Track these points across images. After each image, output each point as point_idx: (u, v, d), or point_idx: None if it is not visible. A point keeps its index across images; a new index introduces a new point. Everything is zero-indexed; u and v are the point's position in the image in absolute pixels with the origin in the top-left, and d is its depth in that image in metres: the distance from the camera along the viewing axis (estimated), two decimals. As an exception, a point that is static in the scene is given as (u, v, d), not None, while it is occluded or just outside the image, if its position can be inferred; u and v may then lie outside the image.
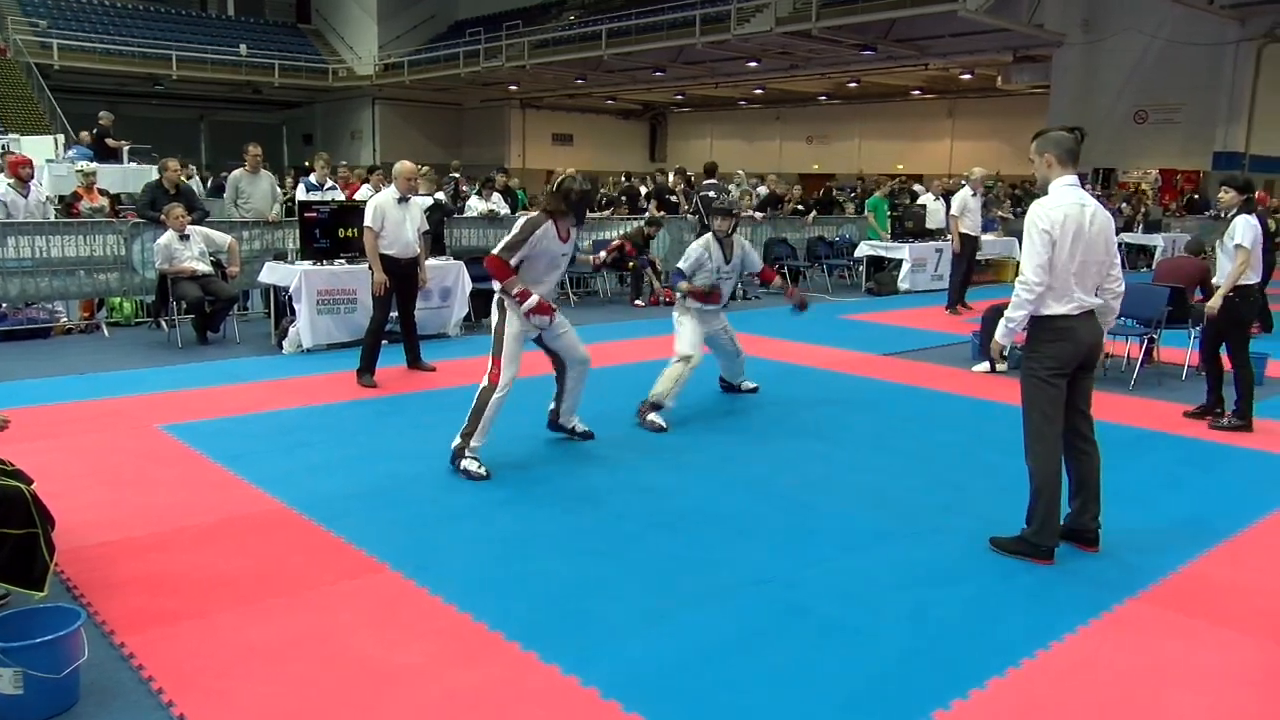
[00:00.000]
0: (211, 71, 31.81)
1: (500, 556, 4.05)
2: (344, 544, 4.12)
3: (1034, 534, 4.10)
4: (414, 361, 7.71)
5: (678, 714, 2.89)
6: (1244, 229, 6.24)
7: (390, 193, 7.21)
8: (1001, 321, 4.09)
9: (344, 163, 14.33)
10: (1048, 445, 4.08)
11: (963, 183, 11.90)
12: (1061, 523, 4.17)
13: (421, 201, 8.05)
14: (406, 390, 7.06)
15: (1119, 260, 4.21)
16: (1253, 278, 6.33)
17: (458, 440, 5.16)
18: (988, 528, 4.35)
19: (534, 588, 3.75)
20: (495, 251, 5.21)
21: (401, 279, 7.26)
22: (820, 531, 4.40)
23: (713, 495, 4.89)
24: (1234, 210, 6.39)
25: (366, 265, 7.38)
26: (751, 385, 7.20)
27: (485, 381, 5.20)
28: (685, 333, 6.48)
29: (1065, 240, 3.95)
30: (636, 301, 12.17)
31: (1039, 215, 3.99)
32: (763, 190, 16.37)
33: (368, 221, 7.06)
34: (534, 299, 5.20)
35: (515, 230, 5.23)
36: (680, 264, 6.57)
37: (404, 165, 7.36)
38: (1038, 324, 4.05)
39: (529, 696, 2.97)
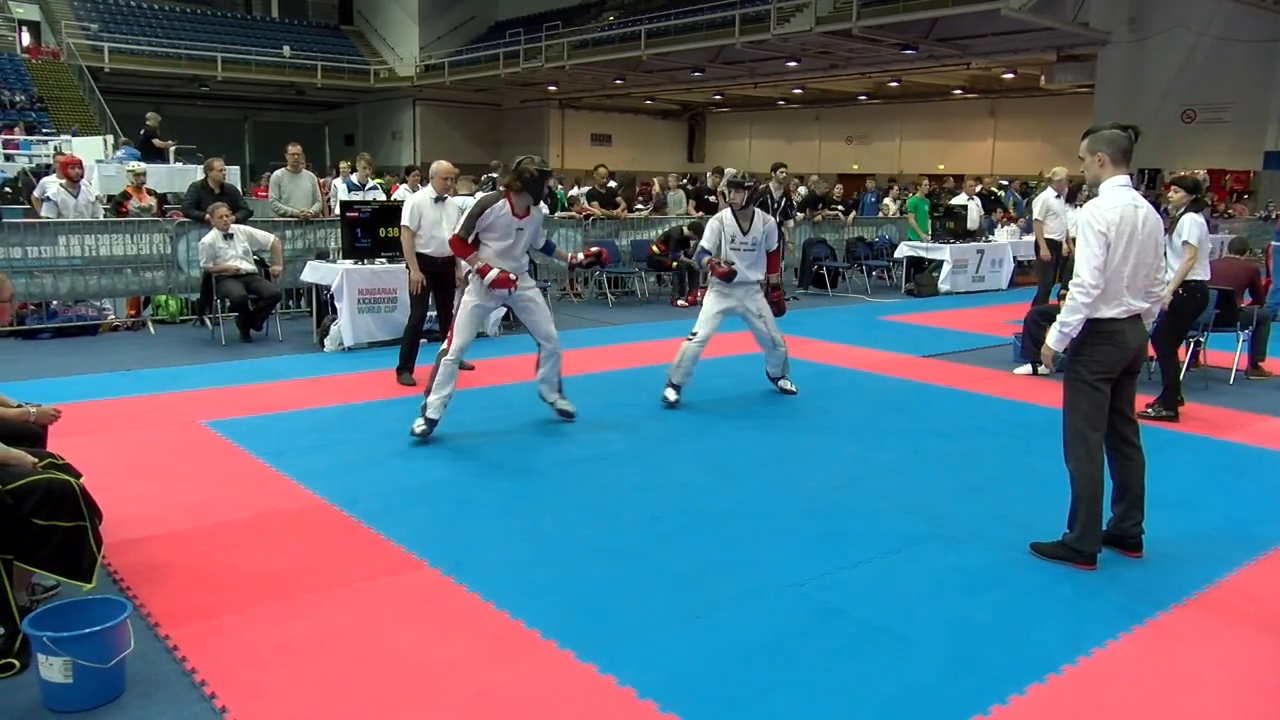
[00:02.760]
0: (255, 72, 32.27)
1: (537, 555, 4.07)
2: (383, 540, 4.16)
3: (1076, 539, 4.05)
4: None
5: (714, 716, 2.89)
6: (1191, 227, 6.53)
7: (427, 192, 7.28)
8: (1055, 326, 3.98)
9: (346, 162, 14.38)
10: (1090, 449, 4.02)
11: (1019, 184, 11.54)
12: (1104, 528, 4.11)
13: (460, 202, 8.13)
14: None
15: (1164, 263, 4.14)
16: (1201, 274, 6.63)
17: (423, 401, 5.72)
18: (1027, 534, 4.30)
19: (570, 586, 3.76)
20: (455, 231, 5.85)
21: (437, 278, 7.32)
22: (856, 534, 4.37)
23: (747, 496, 4.88)
24: (1182, 209, 6.63)
25: (405, 264, 7.44)
26: (790, 387, 7.14)
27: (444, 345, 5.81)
28: (702, 310, 6.81)
29: (1120, 242, 3.87)
30: (679, 301, 12.16)
31: (1094, 216, 3.90)
32: (803, 190, 16.28)
33: (404, 221, 7.14)
34: (494, 272, 5.67)
35: (469, 209, 5.83)
36: (703, 242, 6.80)
37: (441, 165, 7.39)
38: (1086, 327, 3.95)
39: (566, 695, 2.98)
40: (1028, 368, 8.00)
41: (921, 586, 3.83)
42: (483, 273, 5.70)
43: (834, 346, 9.11)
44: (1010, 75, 26.80)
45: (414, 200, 7.26)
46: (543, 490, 4.92)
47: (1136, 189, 4.05)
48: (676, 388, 6.66)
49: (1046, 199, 10.56)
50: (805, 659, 3.23)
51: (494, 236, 5.73)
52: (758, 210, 6.86)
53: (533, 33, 30.24)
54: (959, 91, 30.95)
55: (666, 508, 4.67)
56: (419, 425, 5.65)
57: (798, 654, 3.26)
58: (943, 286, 13.51)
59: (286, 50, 33.24)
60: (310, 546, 4.11)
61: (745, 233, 6.69)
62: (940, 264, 13.70)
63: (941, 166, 29.82)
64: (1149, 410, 6.48)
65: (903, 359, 8.62)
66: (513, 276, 5.73)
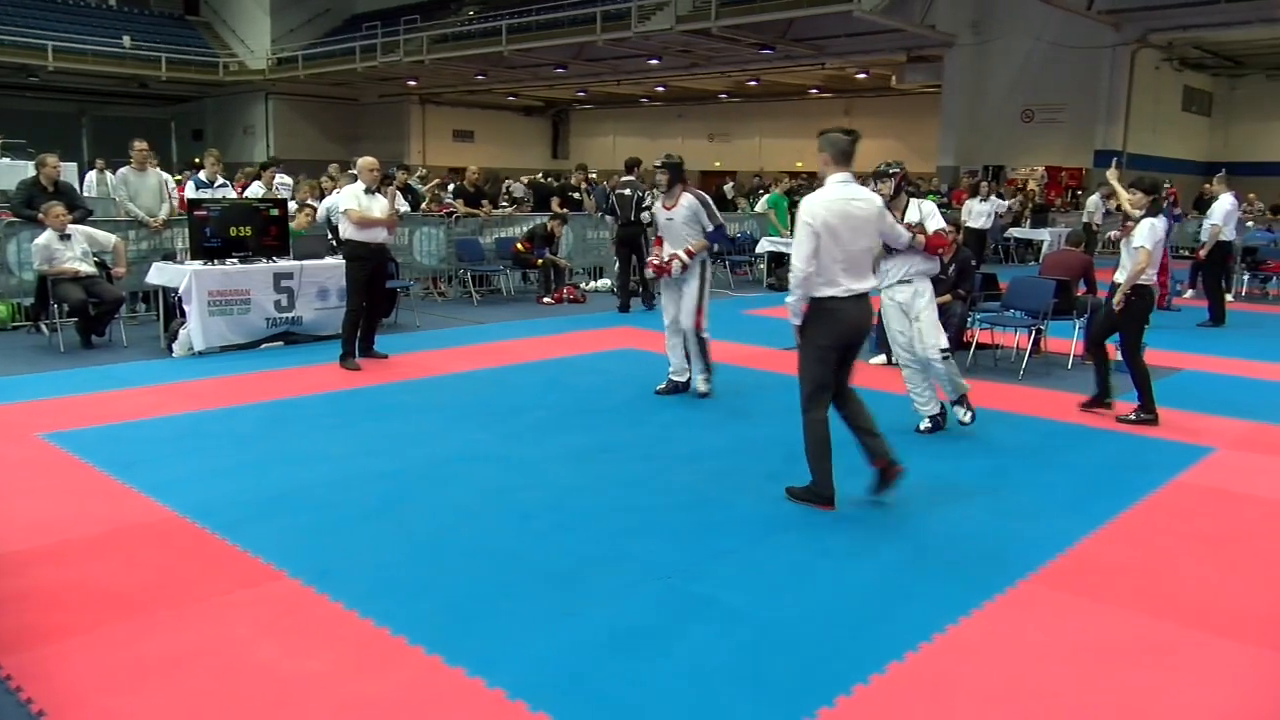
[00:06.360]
0: (92, 63, 30.43)
1: (402, 561, 3.99)
2: (239, 552, 4.01)
3: (815, 484, 4.64)
4: (366, 350, 8.07)
5: (584, 711, 2.90)
6: (1147, 232, 6.30)
7: (359, 185, 7.87)
8: (786, 303, 4.63)
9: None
10: (820, 409, 4.62)
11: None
12: (873, 465, 4.69)
13: (330, 201, 8.23)
14: (305, 393, 6.90)
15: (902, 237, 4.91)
16: (1143, 279, 6.38)
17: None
18: (888, 514, 4.49)
19: (437, 591, 3.71)
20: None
21: (374, 264, 7.91)
22: (723, 524, 4.46)
23: (616, 492, 4.90)
24: (1142, 212, 6.42)
25: (270, 261, 7.46)
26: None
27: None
28: (933, 317, 6.03)
29: (828, 233, 4.42)
30: (545, 299, 12.11)
31: (803, 210, 4.50)
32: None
33: (352, 205, 7.74)
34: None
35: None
36: (941, 223, 5.97)
37: (367, 160, 8.07)
38: (813, 305, 4.53)
39: (436, 700, 2.94)
40: (883, 357, 8.28)
41: (786, 571, 3.94)
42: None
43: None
44: (863, 75, 27.74)
45: (352, 190, 7.92)
46: (408, 494, 4.83)
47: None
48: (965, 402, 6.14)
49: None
50: (675, 649, 3.27)
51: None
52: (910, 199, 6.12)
53: (390, 26, 29.56)
54: (815, 91, 31.82)
55: (536, 506, 4.65)
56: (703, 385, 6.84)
57: (668, 645, 3.30)
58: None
59: (126, 41, 31.51)
60: (163, 562, 3.92)
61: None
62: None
63: (800, 164, 30.55)
64: (1131, 416, 6.41)
65: (766, 352, 8.81)
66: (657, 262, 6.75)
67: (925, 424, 6.09)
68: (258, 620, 3.43)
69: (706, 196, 6.86)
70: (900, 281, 5.98)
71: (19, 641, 3.21)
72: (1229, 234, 11.72)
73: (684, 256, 6.68)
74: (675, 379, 7.05)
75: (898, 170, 5.95)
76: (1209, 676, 3.21)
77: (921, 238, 5.79)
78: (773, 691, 3.03)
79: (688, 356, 6.98)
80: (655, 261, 6.88)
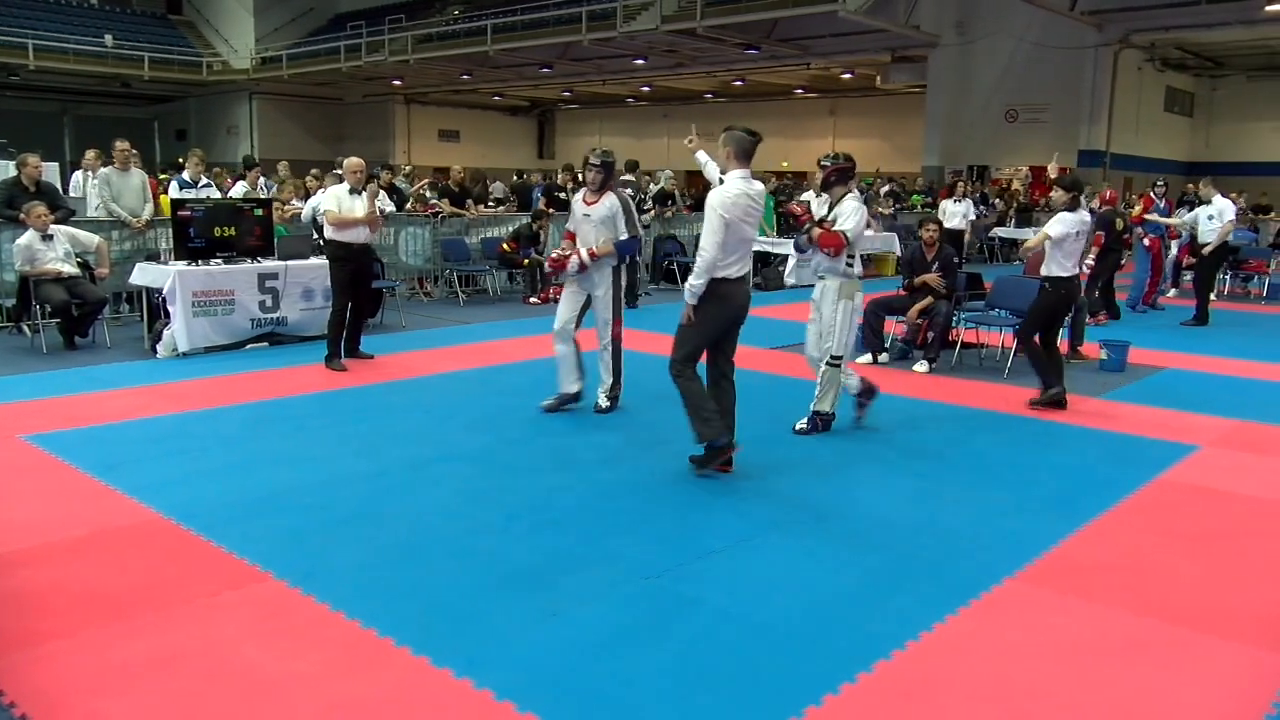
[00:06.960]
0: (74, 62, 30.17)
1: (389, 562, 3.98)
2: (225, 554, 3.99)
3: (709, 440, 4.95)
4: (352, 350, 8.02)
5: (572, 711, 2.89)
6: (1052, 222, 6.80)
7: (343, 186, 7.84)
8: (687, 286, 4.94)
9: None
10: (692, 374, 5.01)
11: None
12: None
13: (316, 200, 8.22)
14: (290, 394, 6.87)
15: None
16: (1058, 270, 6.76)
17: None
18: (871, 514, 4.49)
19: (424, 592, 3.70)
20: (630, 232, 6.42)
21: (356, 265, 7.83)
22: (708, 524, 4.46)
23: (601, 492, 4.90)
24: (1062, 207, 6.89)
25: (254, 262, 7.63)
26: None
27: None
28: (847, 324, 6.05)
29: (734, 222, 4.85)
30: (531, 299, 12.10)
31: (716, 201, 4.85)
32: (653, 188, 16.48)
33: (331, 207, 7.72)
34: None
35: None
36: (846, 226, 5.86)
37: (353, 160, 8.02)
38: (709, 287, 4.90)
39: (423, 702, 2.93)
40: (868, 356, 8.30)
41: (772, 572, 3.94)
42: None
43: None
44: (848, 75, 27.78)
45: (335, 192, 7.85)
46: (394, 495, 4.81)
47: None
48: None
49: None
50: (662, 650, 3.27)
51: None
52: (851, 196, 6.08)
53: (375, 25, 29.44)
54: (800, 91, 31.85)
55: (522, 507, 4.64)
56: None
57: (654, 645, 3.30)
58: (788, 280, 13.89)
59: (108, 40, 31.27)
60: (147, 564, 3.90)
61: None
62: (785, 258, 14.08)
63: (785, 164, 30.60)
64: (1037, 400, 6.66)
65: (749, 351, 8.77)
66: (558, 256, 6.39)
67: (855, 391, 6.10)
68: (244, 622, 3.42)
69: (630, 203, 6.45)
70: (819, 277, 6.18)
71: (1, 645, 3.19)
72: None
73: (584, 255, 6.19)
74: (566, 391, 6.49)
75: (828, 164, 6.17)
76: (1194, 674, 3.24)
77: (818, 231, 5.91)
78: (760, 691, 3.03)
79: (579, 365, 6.50)
80: (554, 255, 6.52)
